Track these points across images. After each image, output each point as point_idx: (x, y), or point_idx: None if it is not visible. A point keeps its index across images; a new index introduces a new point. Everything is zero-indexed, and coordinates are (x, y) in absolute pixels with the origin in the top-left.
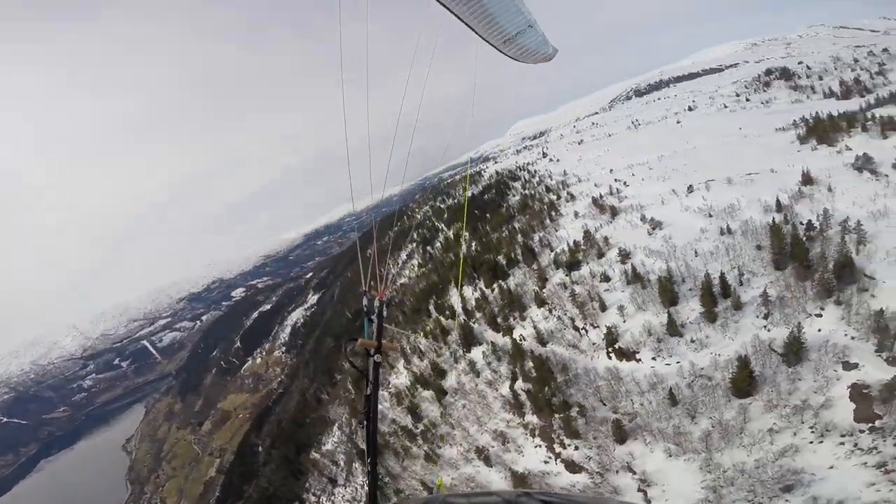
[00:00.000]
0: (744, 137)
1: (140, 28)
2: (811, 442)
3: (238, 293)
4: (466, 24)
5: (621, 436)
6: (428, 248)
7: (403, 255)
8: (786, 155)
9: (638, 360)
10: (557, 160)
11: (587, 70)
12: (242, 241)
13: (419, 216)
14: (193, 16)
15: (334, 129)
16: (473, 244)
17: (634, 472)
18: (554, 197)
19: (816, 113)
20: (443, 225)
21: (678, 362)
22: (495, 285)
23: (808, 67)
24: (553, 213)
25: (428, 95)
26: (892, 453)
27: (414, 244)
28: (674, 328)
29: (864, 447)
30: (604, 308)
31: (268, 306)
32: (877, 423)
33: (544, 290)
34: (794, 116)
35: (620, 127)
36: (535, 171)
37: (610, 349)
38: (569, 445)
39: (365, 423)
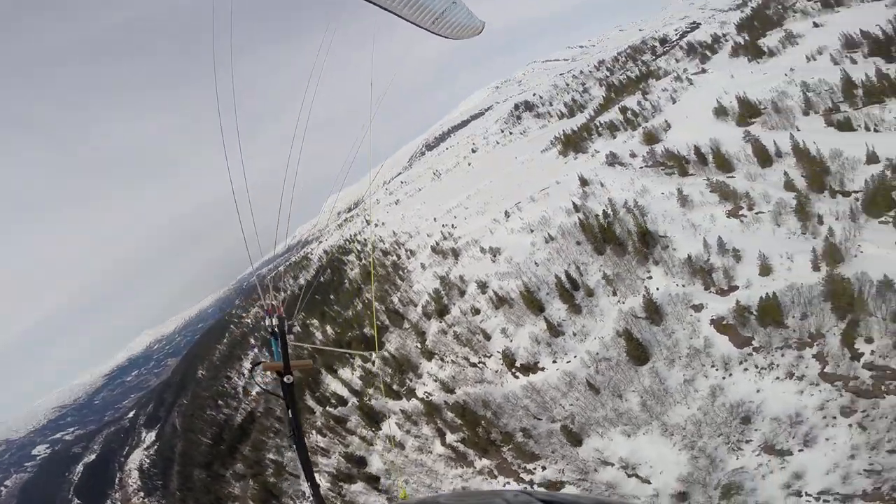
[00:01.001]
0: (522, 164)
1: None
2: (724, 378)
3: (42, 450)
4: (393, 11)
5: (575, 438)
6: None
7: (247, 364)
8: (558, 168)
9: (543, 369)
10: (383, 224)
11: (379, 135)
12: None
13: (250, 320)
14: None
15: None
16: (328, 328)
17: (612, 464)
18: (394, 258)
19: (562, 131)
20: None
21: (575, 356)
22: (374, 357)
23: (541, 97)
24: (401, 272)
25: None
26: (789, 361)
27: (256, 350)
28: (554, 330)
29: (765, 365)
30: (488, 337)
31: (92, 456)
32: (754, 343)
33: (427, 343)
34: (549, 138)
35: (426, 180)
36: (366, 240)
37: (513, 370)
38: (534, 469)
39: (295, 445)
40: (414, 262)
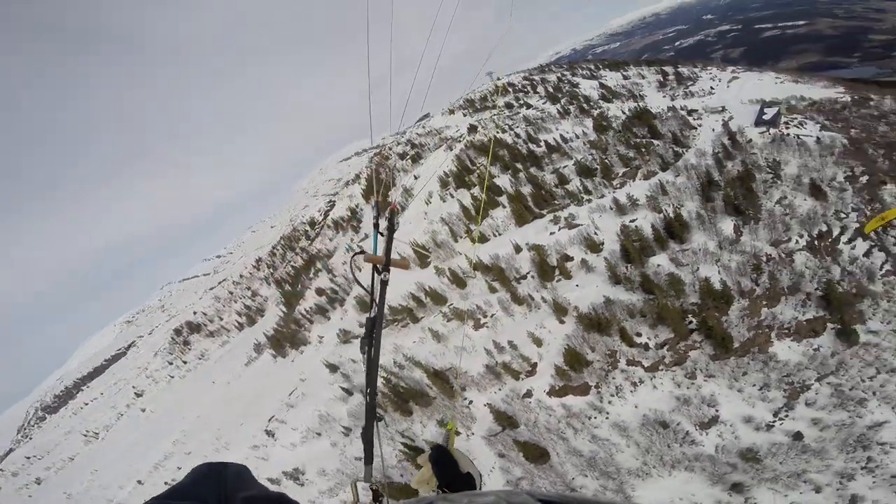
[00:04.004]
0: (229, 384)
1: None
2: (606, 418)
3: None
4: None
5: None
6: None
7: None
8: (286, 369)
9: None
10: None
11: None
12: None
13: None
14: None
15: None
16: None
17: None
18: None
19: (264, 335)
20: None
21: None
22: None
23: (205, 314)
24: None
25: None
26: (622, 379)
27: None
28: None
29: (615, 392)
30: None
31: None
32: (591, 385)
33: None
34: (246, 350)
35: (75, 448)
36: None
37: None
38: None
39: (367, 348)
40: None
